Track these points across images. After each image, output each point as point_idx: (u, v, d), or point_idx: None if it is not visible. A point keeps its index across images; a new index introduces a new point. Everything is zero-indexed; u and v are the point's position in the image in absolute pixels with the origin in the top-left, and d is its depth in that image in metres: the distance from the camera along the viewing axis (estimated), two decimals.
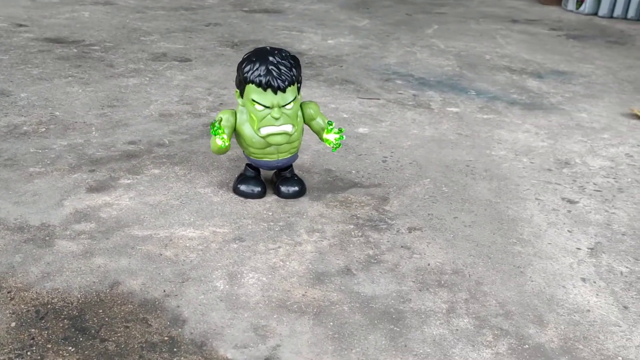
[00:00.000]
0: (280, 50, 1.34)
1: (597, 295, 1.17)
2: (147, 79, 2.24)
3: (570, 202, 1.53)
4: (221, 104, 2.04)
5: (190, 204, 1.39)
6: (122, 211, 1.34)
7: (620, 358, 1.01)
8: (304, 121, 1.42)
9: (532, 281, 1.20)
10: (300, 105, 1.41)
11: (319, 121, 1.43)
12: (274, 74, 1.30)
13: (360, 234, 1.32)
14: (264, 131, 1.34)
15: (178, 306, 1.05)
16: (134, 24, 3.06)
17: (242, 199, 1.43)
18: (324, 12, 3.77)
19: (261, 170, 1.47)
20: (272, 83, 1.30)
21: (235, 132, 1.39)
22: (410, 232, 1.35)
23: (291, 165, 1.48)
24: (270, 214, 1.38)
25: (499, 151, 1.81)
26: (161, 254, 1.19)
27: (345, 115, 2.01)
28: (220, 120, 1.35)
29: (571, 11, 4.34)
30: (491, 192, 1.55)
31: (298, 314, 1.06)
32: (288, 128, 1.35)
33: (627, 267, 1.26)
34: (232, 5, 3.78)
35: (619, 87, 2.54)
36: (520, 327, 1.07)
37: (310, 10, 3.81)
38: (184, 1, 3.80)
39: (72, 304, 1.04)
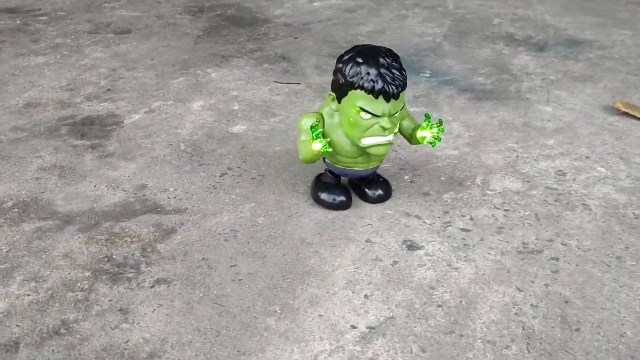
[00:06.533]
0: (387, 50, 1.16)
1: None
2: (59, 56, 2.05)
3: (411, 247, 1.16)
4: (108, 89, 1.81)
5: None
6: None
7: None
8: None
9: None
10: None
11: (407, 122, 1.25)
12: (388, 79, 1.12)
13: (87, 286, 1.06)
14: (366, 141, 1.17)
15: None
16: None
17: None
18: None
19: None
20: (387, 90, 1.12)
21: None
22: (153, 286, 1.06)
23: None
24: (6, 251, 1.15)
25: (381, 164, 1.44)
26: None
27: (235, 107, 1.71)
28: (317, 125, 1.15)
29: None
30: (317, 227, 1.22)
31: None
32: (391, 137, 1.18)
33: None
34: None
35: (637, 66, 2.00)
36: None
37: None
38: None
39: None
